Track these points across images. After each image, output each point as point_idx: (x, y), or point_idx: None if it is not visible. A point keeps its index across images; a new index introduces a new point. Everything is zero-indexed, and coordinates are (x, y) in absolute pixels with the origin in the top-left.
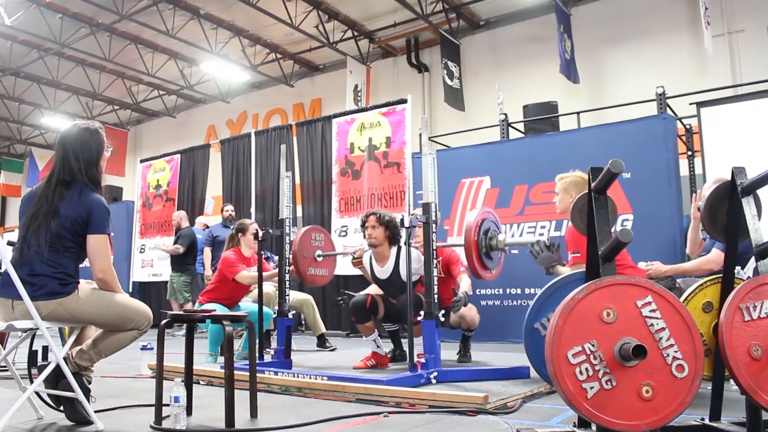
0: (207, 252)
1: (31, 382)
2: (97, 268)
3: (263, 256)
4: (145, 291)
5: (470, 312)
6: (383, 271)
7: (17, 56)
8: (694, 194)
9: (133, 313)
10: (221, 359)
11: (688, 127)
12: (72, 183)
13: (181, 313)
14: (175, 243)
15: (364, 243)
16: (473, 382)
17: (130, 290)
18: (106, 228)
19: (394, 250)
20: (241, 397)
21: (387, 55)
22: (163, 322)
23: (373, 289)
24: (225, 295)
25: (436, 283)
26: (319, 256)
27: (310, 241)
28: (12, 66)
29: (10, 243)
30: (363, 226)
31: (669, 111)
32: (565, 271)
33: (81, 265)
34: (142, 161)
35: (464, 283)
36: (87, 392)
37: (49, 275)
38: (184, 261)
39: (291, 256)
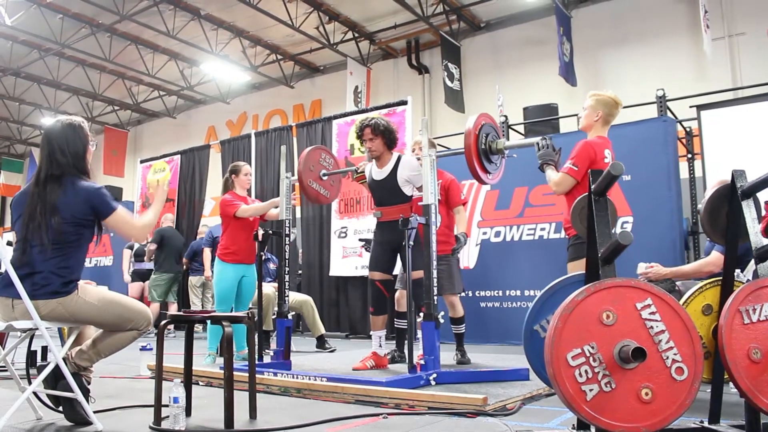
0: (207, 252)
1: (30, 382)
2: (134, 237)
3: (263, 257)
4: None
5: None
6: (381, 173)
7: (18, 56)
8: (695, 197)
9: (133, 314)
10: (220, 360)
11: (688, 129)
12: (62, 177)
13: (181, 313)
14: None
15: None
16: (472, 383)
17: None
18: (112, 204)
19: (395, 155)
20: (241, 398)
21: (387, 57)
22: (163, 322)
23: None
24: (236, 240)
25: (436, 284)
26: (324, 175)
27: (319, 158)
28: (12, 66)
29: (9, 243)
30: (359, 138)
31: (669, 114)
32: (553, 175)
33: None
34: (142, 162)
35: (462, 223)
36: (86, 393)
37: (52, 273)
38: (156, 259)
39: (296, 174)
